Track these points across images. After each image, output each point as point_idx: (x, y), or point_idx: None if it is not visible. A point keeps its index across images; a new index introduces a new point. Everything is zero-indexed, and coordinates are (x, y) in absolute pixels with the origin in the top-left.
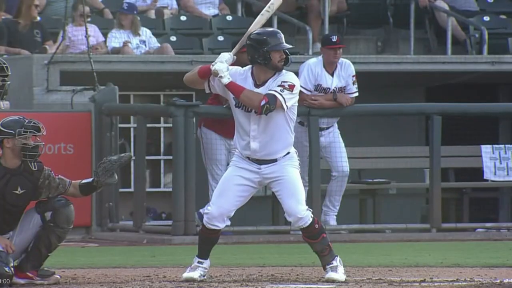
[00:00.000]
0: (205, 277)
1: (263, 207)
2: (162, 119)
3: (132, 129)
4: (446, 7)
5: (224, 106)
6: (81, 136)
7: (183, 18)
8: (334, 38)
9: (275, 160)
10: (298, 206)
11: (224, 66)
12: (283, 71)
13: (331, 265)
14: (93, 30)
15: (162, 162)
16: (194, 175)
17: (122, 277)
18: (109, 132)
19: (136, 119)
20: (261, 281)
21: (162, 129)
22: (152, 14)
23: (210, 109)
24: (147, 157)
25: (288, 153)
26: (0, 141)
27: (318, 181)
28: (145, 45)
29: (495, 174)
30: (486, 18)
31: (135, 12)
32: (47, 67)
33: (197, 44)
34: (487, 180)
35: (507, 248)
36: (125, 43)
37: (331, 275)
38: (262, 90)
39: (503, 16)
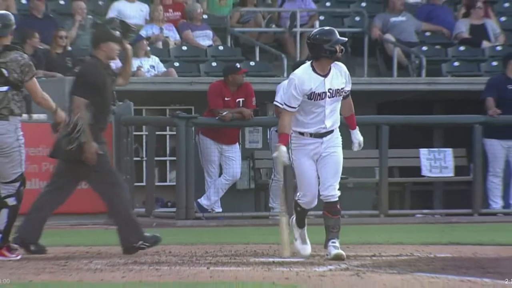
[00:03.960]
0: None
1: (248, 197)
2: (168, 128)
3: (144, 136)
4: (393, 39)
5: (217, 118)
6: None
7: (184, 48)
8: (238, 65)
9: (332, 131)
10: (336, 183)
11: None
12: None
13: (333, 240)
14: None
15: (168, 162)
16: (193, 172)
17: (137, 252)
18: (126, 138)
19: (147, 128)
20: (246, 256)
21: (168, 136)
22: (160, 45)
23: (206, 120)
24: (156, 158)
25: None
26: None
27: (291, 178)
28: (154, 69)
29: (430, 171)
30: (425, 48)
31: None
32: None
33: (195, 68)
34: (424, 176)
35: (440, 229)
36: (138, 68)
37: (333, 250)
38: (328, 80)
39: (438, 47)
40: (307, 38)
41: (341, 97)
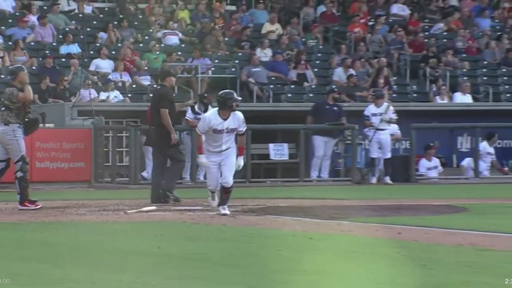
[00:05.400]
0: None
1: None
2: (124, 132)
3: (110, 137)
4: (253, 81)
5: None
6: (87, 139)
7: (134, 86)
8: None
9: (228, 149)
10: (231, 176)
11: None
12: (236, 112)
13: (223, 206)
14: (93, 91)
15: (124, 151)
16: (139, 156)
17: (106, 204)
18: (100, 137)
19: (112, 132)
20: (169, 205)
21: (124, 137)
22: (120, 84)
23: (146, 127)
24: (117, 149)
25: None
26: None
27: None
28: (117, 98)
29: (275, 156)
30: (272, 86)
31: (112, 82)
32: (71, 108)
33: (140, 98)
34: (271, 159)
35: (281, 190)
36: (107, 97)
37: (222, 211)
38: (226, 122)
39: (279, 85)
40: (217, 96)
41: (234, 133)
